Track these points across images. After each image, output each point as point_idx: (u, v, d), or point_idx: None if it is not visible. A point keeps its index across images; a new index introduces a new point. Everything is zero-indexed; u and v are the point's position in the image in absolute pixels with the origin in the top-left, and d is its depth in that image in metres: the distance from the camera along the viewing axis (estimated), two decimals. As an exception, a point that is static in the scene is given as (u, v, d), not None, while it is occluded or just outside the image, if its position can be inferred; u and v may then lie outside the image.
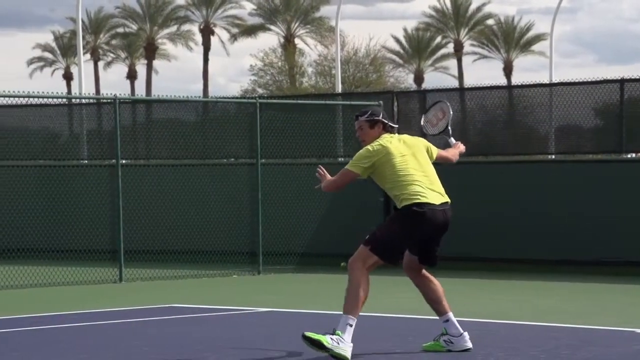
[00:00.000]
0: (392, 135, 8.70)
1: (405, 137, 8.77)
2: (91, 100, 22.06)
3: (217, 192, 17.44)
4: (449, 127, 9.38)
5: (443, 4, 61.23)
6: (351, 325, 8.16)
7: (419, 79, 60.31)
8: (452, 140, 9.29)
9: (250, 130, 16.96)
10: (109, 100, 17.22)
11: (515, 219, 16.33)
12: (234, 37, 61.72)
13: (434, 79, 62.84)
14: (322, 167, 8.81)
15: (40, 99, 19.45)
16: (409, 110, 18.19)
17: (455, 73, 60.66)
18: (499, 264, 16.29)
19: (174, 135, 18.66)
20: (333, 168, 18.83)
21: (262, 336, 9.89)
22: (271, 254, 16.37)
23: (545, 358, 8.46)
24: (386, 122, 8.75)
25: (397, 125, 8.84)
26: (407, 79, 59.89)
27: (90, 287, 14.65)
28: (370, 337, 9.76)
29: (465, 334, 8.58)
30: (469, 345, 8.57)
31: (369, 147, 8.63)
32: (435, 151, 8.84)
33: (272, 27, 60.51)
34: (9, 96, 16.19)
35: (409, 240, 8.41)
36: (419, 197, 8.39)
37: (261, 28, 61.04)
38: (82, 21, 38.57)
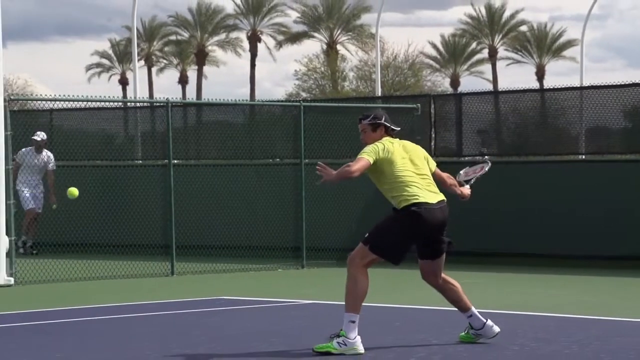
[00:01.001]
0: (393, 139, 8.53)
1: (406, 142, 8.59)
2: (145, 104, 22.16)
3: (263, 190, 17.46)
4: (472, 181, 9.19)
5: (478, 11, 61.04)
6: (354, 322, 8.11)
7: (455, 82, 60.12)
8: (467, 186, 9.08)
9: (295, 132, 16.97)
10: (161, 104, 17.31)
11: (545, 215, 16.23)
12: (279, 44, 61.85)
13: (469, 83, 62.53)
14: (321, 163, 8.62)
15: (98, 103, 19.56)
16: (445, 112, 18.12)
17: (490, 77, 60.43)
18: (531, 259, 16.20)
19: (223, 136, 18.69)
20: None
21: (305, 326, 9.89)
22: (314, 249, 16.36)
23: (577, 348, 8.40)
24: (388, 125, 8.55)
25: (398, 128, 8.65)
26: (443, 83, 59.73)
27: (144, 280, 14.71)
28: (408, 328, 9.74)
29: (489, 321, 8.49)
30: (497, 329, 8.50)
31: (375, 144, 8.45)
32: (433, 165, 8.66)
33: (315, 34, 60.57)
34: (70, 100, 16.29)
35: (407, 239, 8.30)
36: (416, 197, 8.29)
37: (305, 35, 61.10)
38: (137, 29, 38.78)
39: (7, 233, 13.87)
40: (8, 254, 13.87)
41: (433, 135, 17.99)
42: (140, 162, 19.60)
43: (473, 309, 8.53)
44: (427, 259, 8.47)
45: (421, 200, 8.28)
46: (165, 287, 13.89)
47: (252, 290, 13.48)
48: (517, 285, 14.05)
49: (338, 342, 8.03)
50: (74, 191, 12.33)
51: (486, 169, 9.14)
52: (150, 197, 17.46)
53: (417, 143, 19.41)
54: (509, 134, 18.21)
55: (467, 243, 16.74)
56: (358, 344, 8.07)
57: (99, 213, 17.82)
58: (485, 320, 8.50)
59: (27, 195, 17.83)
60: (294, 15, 61.08)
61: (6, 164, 13.87)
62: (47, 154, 17.95)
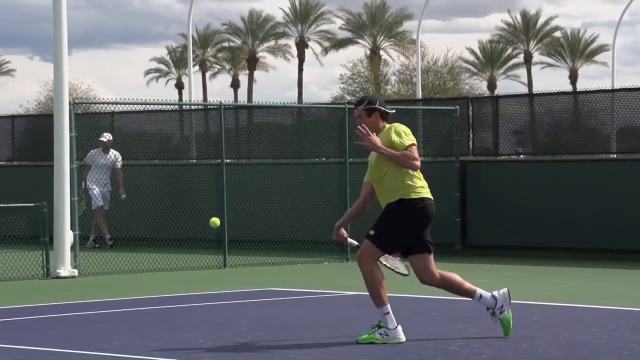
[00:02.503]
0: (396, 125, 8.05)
1: (408, 130, 8.11)
2: (199, 107, 22.22)
3: (310, 188, 17.43)
4: (384, 263, 8.25)
5: (514, 18, 60.68)
6: (388, 313, 7.95)
7: (492, 86, 59.79)
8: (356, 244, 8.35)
9: (340, 133, 16.92)
10: (215, 107, 17.31)
11: (579, 211, 16.08)
12: (325, 50, 61.84)
13: (505, 86, 62.18)
14: (366, 128, 8.00)
15: (156, 106, 19.64)
16: (482, 114, 18.01)
17: (525, 80, 60.08)
18: (565, 253, 16.06)
19: (272, 137, 18.69)
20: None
21: (350, 317, 9.85)
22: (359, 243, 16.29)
23: (608, 338, 8.30)
24: (383, 109, 8.06)
25: (393, 110, 8.20)
26: (481, 86, 59.45)
27: (198, 272, 14.73)
28: (446, 319, 9.67)
29: (495, 292, 8.12)
30: (506, 290, 8.10)
31: (403, 128, 8.02)
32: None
33: (359, 40, 60.51)
34: (130, 103, 16.38)
35: (412, 231, 7.97)
36: (424, 189, 8.03)
37: (350, 41, 61.06)
38: (192, 37, 38.92)
39: (72, 228, 13.95)
40: (72, 248, 13.96)
41: (471, 136, 17.89)
42: (195, 161, 19.65)
43: (479, 290, 8.15)
44: (417, 254, 8.08)
45: (425, 195, 8.04)
46: (218, 279, 13.90)
47: (300, 282, 13.46)
48: (553, 278, 13.93)
49: (380, 334, 7.97)
50: (216, 221, 12.37)
51: (399, 270, 8.35)
52: (204, 194, 17.49)
53: (455, 143, 19.37)
54: (544, 134, 18.07)
55: (505, 238, 16.66)
56: (399, 333, 8.01)
57: (156, 209, 17.89)
58: (495, 294, 8.10)
59: (97, 193, 17.95)
60: (339, 22, 61.10)
61: (71, 162, 13.95)
62: (114, 154, 18.06)
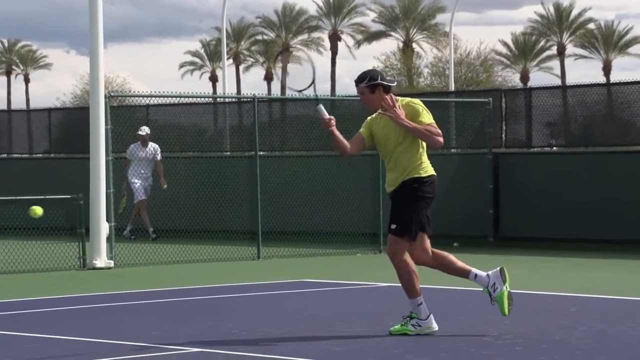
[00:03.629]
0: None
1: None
2: (233, 100, 22.26)
3: (343, 180, 17.42)
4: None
5: (547, 10, 60.29)
6: (421, 304, 7.91)
7: (524, 78, 59.48)
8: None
9: (373, 125, 16.87)
10: (248, 100, 17.32)
11: (611, 203, 15.96)
12: (358, 43, 61.79)
13: (538, 78, 61.88)
14: (392, 101, 7.79)
15: (190, 99, 19.69)
16: (515, 106, 17.93)
17: (558, 72, 59.69)
18: (598, 244, 15.96)
19: (305, 129, 18.69)
20: (446, 158, 18.71)
21: (383, 308, 9.84)
22: (391, 235, 16.27)
23: (641, 330, 8.25)
24: (385, 84, 7.85)
25: (395, 83, 8.03)
26: (513, 78, 59.15)
27: (233, 264, 14.78)
28: (480, 309, 9.64)
29: (489, 272, 7.97)
30: (502, 275, 7.94)
31: (418, 100, 7.89)
32: None
33: (392, 33, 60.38)
34: (164, 96, 16.43)
35: (426, 209, 7.81)
36: (430, 167, 7.90)
37: (383, 34, 60.96)
38: (226, 30, 38.99)
39: (107, 219, 14.03)
40: (108, 239, 14.04)
41: (504, 128, 17.82)
42: (229, 153, 19.70)
43: (474, 270, 8.01)
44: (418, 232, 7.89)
45: (432, 170, 7.95)
46: (252, 271, 13.94)
47: (333, 273, 13.47)
48: (586, 269, 13.85)
49: (413, 325, 7.95)
50: (37, 210, 12.48)
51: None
52: (238, 186, 17.54)
53: (488, 135, 19.28)
54: (577, 126, 17.95)
55: (538, 230, 16.58)
56: (431, 322, 7.98)
57: (190, 201, 17.95)
58: (487, 272, 7.98)
59: (138, 186, 18.02)
60: (372, 15, 61.01)
61: (106, 155, 14.02)
62: (153, 146, 18.12)
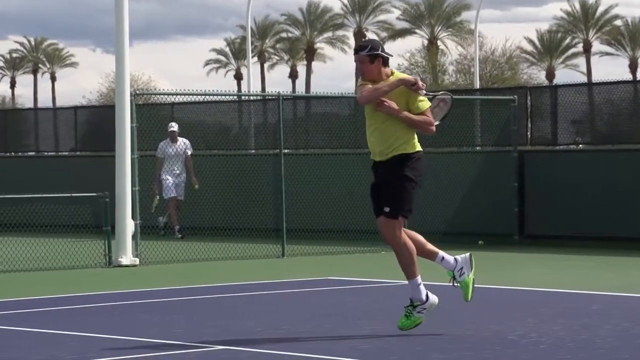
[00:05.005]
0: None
1: None
2: (258, 98, 22.30)
3: (367, 177, 17.35)
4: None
5: (573, 7, 60.00)
6: (420, 284, 7.79)
7: (550, 75, 59.25)
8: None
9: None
10: (273, 97, 17.36)
11: (638, 201, 15.86)
12: (382, 40, 61.71)
13: (564, 75, 61.55)
14: (387, 103, 7.62)
15: (215, 97, 19.74)
16: (541, 103, 17.86)
17: (584, 70, 59.37)
18: (623, 242, 15.86)
19: (330, 127, 18.70)
20: (471, 156, 18.64)
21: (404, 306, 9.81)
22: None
23: (667, 329, 8.20)
24: (385, 55, 7.72)
25: (392, 55, 7.87)
26: (539, 76, 58.92)
27: (257, 261, 14.80)
28: (504, 308, 9.62)
29: (457, 257, 7.94)
30: (470, 261, 7.92)
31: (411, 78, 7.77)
32: None
33: (417, 30, 60.28)
34: (190, 94, 16.49)
35: (415, 185, 7.76)
36: (417, 143, 7.82)
37: (407, 32, 60.86)
38: (251, 28, 39.04)
39: (133, 217, 14.08)
40: (133, 237, 14.09)
41: (529, 125, 17.74)
42: (253, 151, 19.72)
43: (441, 253, 7.92)
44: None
45: (419, 145, 7.87)
46: (276, 268, 13.95)
47: (357, 271, 13.46)
48: (612, 267, 13.78)
49: (419, 312, 7.85)
50: None
51: (447, 101, 8.02)
52: (263, 184, 17.56)
53: (513, 133, 19.21)
54: (603, 123, 17.86)
55: (564, 228, 16.49)
56: (432, 298, 7.87)
57: (215, 199, 17.99)
58: (457, 258, 7.93)
59: (170, 184, 18.01)
60: (397, 13, 60.96)
61: (132, 153, 14.08)
62: (183, 142, 18.14)
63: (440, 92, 8.26)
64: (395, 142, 7.74)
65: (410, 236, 7.88)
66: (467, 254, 8.06)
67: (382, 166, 7.81)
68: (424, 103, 7.82)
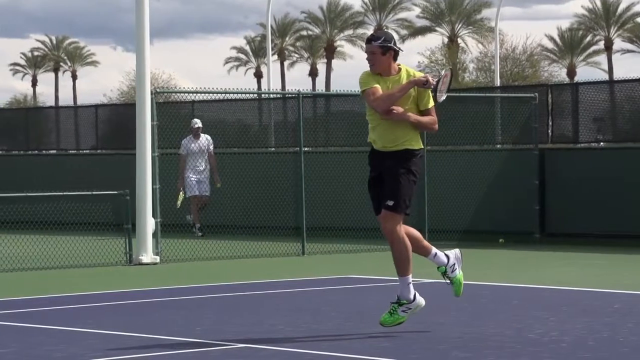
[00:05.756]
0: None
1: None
2: (278, 96, 22.31)
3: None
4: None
5: (594, 4, 59.73)
6: (410, 282, 7.74)
7: (571, 73, 59.03)
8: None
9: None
10: (293, 95, 17.37)
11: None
12: (402, 38, 61.63)
13: (585, 73, 61.32)
14: (398, 110, 7.59)
15: (235, 95, 19.75)
16: (562, 101, 17.79)
17: (606, 67, 59.15)
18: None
19: (350, 125, 18.68)
20: (492, 154, 18.57)
21: (428, 304, 9.80)
22: (436, 231, 16.23)
23: (690, 328, 8.15)
24: (397, 49, 7.64)
25: (402, 50, 7.81)
26: (560, 74, 58.71)
27: (277, 260, 14.80)
28: (525, 306, 9.59)
29: (447, 252, 7.95)
30: (461, 257, 7.96)
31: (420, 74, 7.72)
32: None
33: (437, 28, 60.18)
34: (210, 92, 16.48)
35: (416, 181, 7.74)
36: (420, 139, 7.79)
37: (428, 29, 60.77)
38: (271, 26, 39.06)
39: (153, 215, 14.12)
40: (154, 235, 14.13)
41: (550, 123, 17.68)
42: (273, 149, 19.74)
43: (434, 249, 7.94)
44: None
45: None
46: (297, 266, 13.96)
47: (378, 269, 13.44)
48: (633, 266, 13.72)
49: (403, 311, 7.78)
50: None
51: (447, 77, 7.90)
52: (282, 182, 17.57)
53: (534, 131, 19.15)
54: (624, 121, 17.77)
55: (585, 226, 16.42)
56: (419, 300, 7.83)
57: (235, 197, 18.01)
58: (445, 252, 7.96)
59: (193, 181, 18.00)
60: (417, 10, 60.87)
61: (152, 151, 14.11)
62: (205, 138, 18.15)
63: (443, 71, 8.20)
64: (403, 137, 7.72)
65: (406, 231, 7.84)
66: (457, 250, 8.07)
67: (388, 157, 7.74)
68: (431, 100, 7.80)
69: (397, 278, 7.88)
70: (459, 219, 16.75)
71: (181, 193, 17.82)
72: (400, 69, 7.76)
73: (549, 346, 7.40)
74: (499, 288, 10.97)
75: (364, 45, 7.82)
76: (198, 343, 7.67)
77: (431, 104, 7.80)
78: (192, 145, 18.00)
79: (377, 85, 7.73)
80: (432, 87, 7.76)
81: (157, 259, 14.09)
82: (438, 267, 8.03)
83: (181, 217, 18.18)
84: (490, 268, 13.38)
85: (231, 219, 17.82)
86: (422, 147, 7.84)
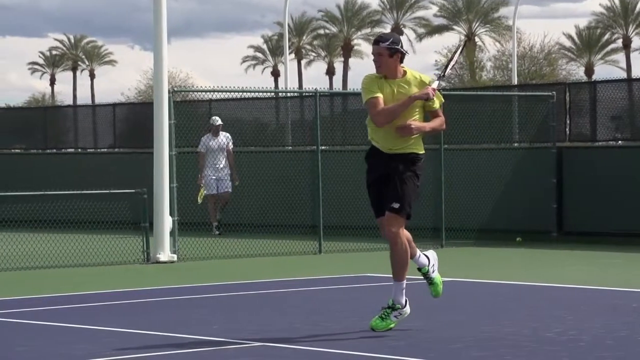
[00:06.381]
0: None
1: None
2: (295, 94, 22.32)
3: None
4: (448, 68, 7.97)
5: (612, 2, 59.47)
6: (404, 288, 7.78)
7: (589, 71, 58.81)
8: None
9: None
10: (310, 94, 17.37)
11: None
12: (419, 37, 61.58)
13: (603, 71, 61.10)
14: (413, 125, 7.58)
15: (252, 94, 19.78)
16: (580, 100, 17.73)
17: (624, 65, 58.90)
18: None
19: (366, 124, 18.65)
20: (509, 153, 18.53)
21: (444, 303, 9.79)
22: (453, 230, 16.21)
23: None
24: (404, 52, 7.58)
25: (408, 53, 7.72)
26: (578, 72, 58.50)
27: (294, 258, 14.81)
28: (543, 305, 9.56)
29: (426, 253, 8.08)
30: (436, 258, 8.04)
31: (426, 77, 7.69)
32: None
33: (455, 27, 60.06)
34: (227, 91, 16.51)
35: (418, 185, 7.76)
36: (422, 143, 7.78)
37: (445, 28, 60.67)
38: (288, 25, 39.05)
39: (171, 214, 14.14)
40: (171, 233, 14.15)
41: (568, 122, 17.63)
42: (290, 148, 19.74)
43: (418, 251, 8.04)
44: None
45: None
46: (313, 265, 13.96)
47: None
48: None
49: (395, 316, 7.78)
50: None
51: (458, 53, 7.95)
52: (300, 180, 17.57)
53: (552, 129, 19.09)
54: (643, 119, 17.70)
55: (602, 225, 16.36)
56: (408, 307, 7.85)
57: (252, 196, 18.02)
58: (424, 254, 8.05)
59: (212, 180, 17.97)
60: (435, 9, 60.78)
61: (170, 149, 14.13)
62: (224, 135, 18.15)
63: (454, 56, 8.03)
64: (410, 139, 7.67)
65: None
66: (433, 251, 8.15)
67: (395, 160, 7.68)
68: (437, 101, 7.77)
69: (392, 283, 7.84)
70: (476, 217, 16.71)
71: (202, 189, 17.80)
72: (405, 72, 7.70)
73: (566, 345, 7.38)
74: (515, 287, 10.94)
75: (372, 45, 7.76)
76: (215, 341, 7.68)
77: (437, 104, 7.77)
78: (212, 142, 17.99)
79: (380, 95, 7.65)
80: (432, 97, 7.69)
81: (175, 257, 14.12)
82: (420, 269, 8.05)
83: (200, 215, 18.21)
84: (507, 267, 13.35)
85: (248, 217, 17.83)
86: (424, 151, 7.80)
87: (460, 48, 8.18)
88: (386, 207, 7.71)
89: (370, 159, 7.86)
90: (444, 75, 7.91)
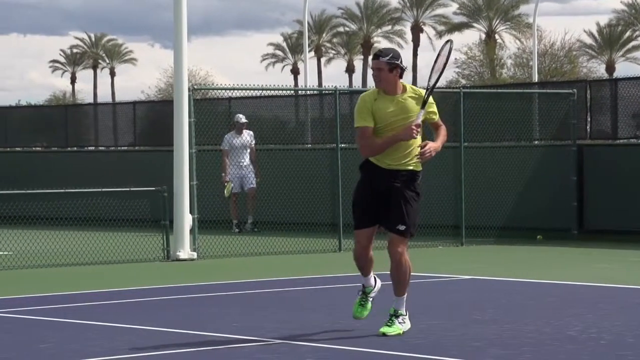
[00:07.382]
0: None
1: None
2: (315, 92, 22.31)
3: (426, 172, 17.27)
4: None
5: (634, -1, 59.19)
6: (405, 299, 7.81)
7: (610, 68, 58.55)
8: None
9: (454, 117, 16.78)
10: (330, 92, 17.35)
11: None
12: (439, 34, 61.46)
13: (624, 69, 60.82)
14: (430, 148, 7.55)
15: (272, 92, 19.78)
16: (600, 97, 17.65)
17: (645, 63, 58.59)
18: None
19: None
20: (530, 150, 18.47)
21: (464, 301, 9.78)
22: (473, 228, 16.17)
23: None
24: (404, 67, 7.56)
25: (407, 68, 7.69)
26: (599, 69, 58.24)
27: (314, 256, 14.81)
28: (562, 303, 9.53)
29: (378, 281, 8.08)
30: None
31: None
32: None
33: (475, 24, 59.92)
34: (246, 89, 16.52)
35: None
36: None
37: (465, 25, 60.54)
38: (308, 23, 39.07)
39: (191, 211, 14.17)
40: (191, 231, 14.18)
41: (589, 119, 17.56)
42: (310, 146, 19.74)
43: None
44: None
45: None
46: (333, 263, 13.95)
47: (414, 266, 13.35)
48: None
49: (400, 322, 7.78)
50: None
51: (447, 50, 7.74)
52: (319, 178, 17.56)
53: (572, 127, 19.00)
54: (662, 117, 17.60)
55: (623, 223, 16.28)
56: (408, 317, 7.87)
57: (272, 193, 18.03)
58: (375, 277, 8.04)
59: (235, 178, 17.91)
60: (455, 7, 60.66)
61: (190, 147, 14.16)
62: (248, 133, 18.14)
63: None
64: (409, 156, 7.64)
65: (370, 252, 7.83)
66: (380, 283, 8.04)
67: (395, 177, 7.64)
68: (436, 112, 7.73)
69: (395, 297, 7.82)
70: (496, 215, 16.67)
71: (229, 183, 17.73)
72: (405, 88, 7.68)
73: (587, 343, 7.35)
74: (536, 285, 10.90)
75: (371, 60, 7.74)
76: (235, 339, 7.69)
77: (437, 115, 7.76)
78: (235, 140, 17.98)
79: (370, 126, 7.66)
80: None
81: (195, 255, 14.15)
82: (365, 287, 8.01)
83: (220, 213, 18.21)
84: (527, 265, 13.31)
85: (268, 215, 17.84)
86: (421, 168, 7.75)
87: (447, 51, 7.81)
88: (390, 227, 7.70)
89: (366, 172, 7.83)
90: (433, 87, 7.78)
